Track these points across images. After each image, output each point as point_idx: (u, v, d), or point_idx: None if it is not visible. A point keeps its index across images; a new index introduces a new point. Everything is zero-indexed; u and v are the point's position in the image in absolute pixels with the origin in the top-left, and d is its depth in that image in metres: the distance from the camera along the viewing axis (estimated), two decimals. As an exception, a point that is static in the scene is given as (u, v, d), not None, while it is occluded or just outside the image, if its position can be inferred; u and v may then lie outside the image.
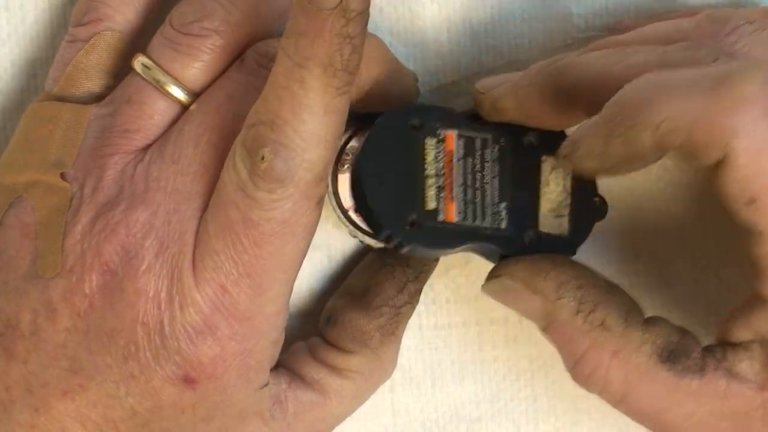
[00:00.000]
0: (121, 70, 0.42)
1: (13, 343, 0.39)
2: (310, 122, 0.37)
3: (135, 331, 0.38)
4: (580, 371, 0.40)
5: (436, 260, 0.45)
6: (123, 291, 0.38)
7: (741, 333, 0.38)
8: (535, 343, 0.47)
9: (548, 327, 0.41)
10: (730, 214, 0.37)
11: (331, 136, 0.37)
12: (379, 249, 0.45)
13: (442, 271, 0.46)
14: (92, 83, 0.42)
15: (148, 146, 0.40)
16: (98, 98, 0.42)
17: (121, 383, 0.38)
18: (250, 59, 0.40)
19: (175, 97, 0.40)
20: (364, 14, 0.36)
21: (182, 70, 0.40)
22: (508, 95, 0.41)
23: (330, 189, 0.44)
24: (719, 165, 0.36)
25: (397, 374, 0.47)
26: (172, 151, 0.39)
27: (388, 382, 0.47)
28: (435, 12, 0.45)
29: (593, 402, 0.47)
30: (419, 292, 0.45)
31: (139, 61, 0.40)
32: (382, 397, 0.47)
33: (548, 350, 0.47)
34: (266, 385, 0.41)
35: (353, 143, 0.44)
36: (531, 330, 0.47)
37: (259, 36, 0.41)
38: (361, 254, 0.47)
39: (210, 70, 0.40)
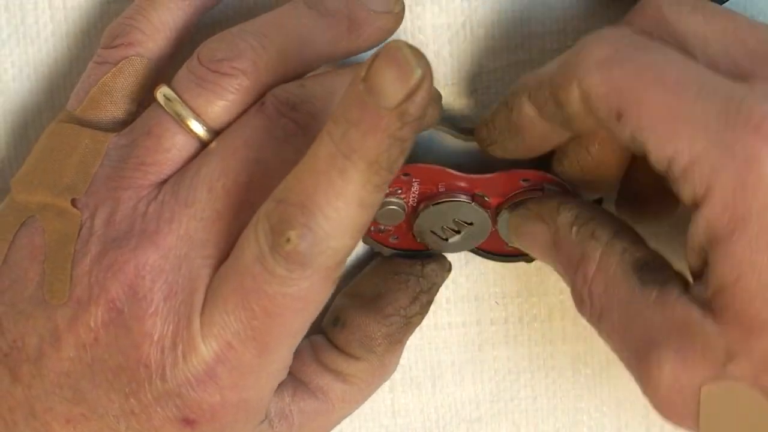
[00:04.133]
0: (146, 98, 0.41)
1: (17, 366, 0.39)
2: (343, 212, 0.36)
3: (138, 371, 0.38)
4: (575, 290, 0.40)
5: (448, 270, 0.46)
6: (129, 330, 0.38)
7: (690, 258, 0.38)
8: (535, 343, 0.47)
9: (555, 256, 0.41)
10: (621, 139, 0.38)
11: (359, 228, 0.37)
12: (390, 255, 0.45)
13: (442, 272, 0.47)
14: (116, 108, 0.41)
15: (163, 181, 0.40)
16: (121, 124, 0.41)
17: (122, 418, 0.38)
18: (271, 106, 0.40)
19: (195, 133, 0.40)
20: (421, 120, 0.35)
21: (205, 107, 0.40)
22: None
23: None
24: (585, 101, 0.38)
25: (397, 374, 0.47)
26: (186, 193, 0.39)
27: (388, 382, 0.47)
28: (435, 13, 0.45)
29: (593, 402, 0.47)
30: (430, 303, 0.45)
31: (161, 93, 0.40)
32: (382, 397, 0.47)
33: (548, 350, 0.47)
34: (264, 420, 0.41)
35: None
36: (531, 330, 0.47)
37: (283, 81, 0.40)
38: (364, 256, 0.47)
39: (233, 110, 0.40)
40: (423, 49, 0.45)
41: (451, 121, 0.46)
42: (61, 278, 0.39)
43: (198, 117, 0.40)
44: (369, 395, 0.44)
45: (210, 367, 0.38)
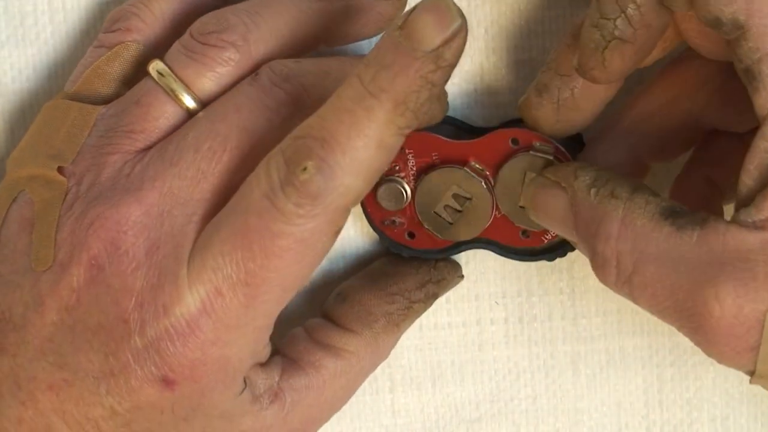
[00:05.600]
0: (137, 81, 0.42)
1: (5, 336, 0.39)
2: (361, 151, 0.36)
3: (117, 328, 0.38)
4: (596, 255, 0.39)
5: (460, 277, 0.46)
6: (109, 287, 0.38)
7: (745, 179, 0.38)
8: (535, 343, 0.47)
9: (574, 224, 0.40)
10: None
11: (373, 171, 0.37)
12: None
13: (442, 272, 0.47)
14: (107, 90, 0.42)
15: (150, 148, 0.40)
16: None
17: (102, 381, 0.38)
18: (264, 76, 0.40)
19: (185, 105, 0.40)
20: (453, 68, 0.36)
21: (194, 78, 0.40)
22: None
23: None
24: None
25: (397, 374, 0.47)
26: (172, 153, 0.39)
27: (388, 383, 0.47)
28: (434, 13, 0.45)
29: (593, 402, 0.47)
30: (436, 296, 0.45)
31: (154, 67, 0.40)
32: (382, 398, 0.47)
33: (548, 350, 0.47)
34: (244, 389, 0.40)
35: None
36: (531, 330, 0.47)
37: (276, 57, 0.41)
38: (364, 253, 0.47)
39: (222, 83, 0.40)
40: (423, 50, 0.45)
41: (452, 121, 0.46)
42: (46, 244, 0.39)
43: (188, 89, 0.40)
44: (361, 376, 0.44)
45: (193, 318, 0.38)
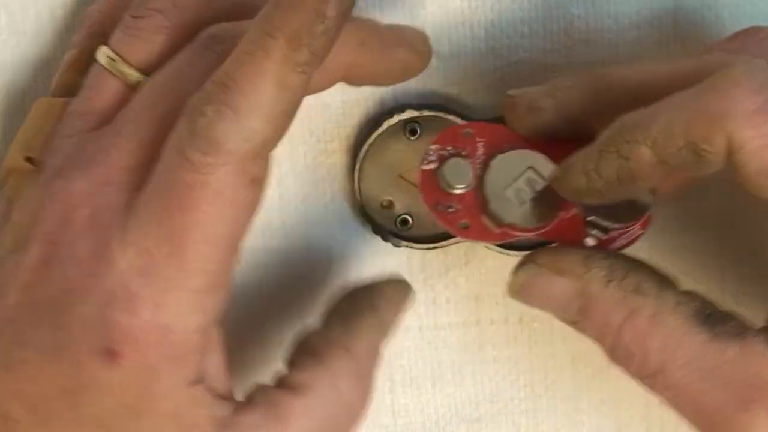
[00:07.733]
0: None
1: None
2: (260, 91, 0.36)
3: (65, 299, 0.38)
4: (618, 348, 0.39)
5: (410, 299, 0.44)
6: (60, 260, 0.38)
7: None
8: (535, 343, 0.47)
9: (582, 310, 0.39)
10: (761, 197, 0.36)
11: (277, 113, 0.37)
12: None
13: (442, 271, 0.47)
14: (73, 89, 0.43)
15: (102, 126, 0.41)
16: None
17: (53, 357, 0.38)
18: (198, 40, 0.41)
19: (130, 81, 0.41)
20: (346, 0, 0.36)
21: (134, 52, 0.41)
22: (546, 95, 0.41)
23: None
24: (732, 152, 0.36)
25: (397, 374, 0.47)
26: (117, 126, 0.40)
27: (388, 383, 0.47)
28: (435, 13, 0.46)
29: (593, 402, 0.47)
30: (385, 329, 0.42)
31: (103, 53, 0.41)
32: (382, 398, 0.47)
33: (548, 350, 0.47)
34: (200, 382, 0.39)
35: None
36: (531, 330, 0.47)
37: (212, 22, 0.41)
38: (356, 252, 0.47)
39: (160, 51, 0.41)
40: (423, 49, 0.46)
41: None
42: (14, 232, 0.40)
43: (130, 65, 0.41)
44: (327, 423, 0.40)
45: (125, 281, 0.38)
